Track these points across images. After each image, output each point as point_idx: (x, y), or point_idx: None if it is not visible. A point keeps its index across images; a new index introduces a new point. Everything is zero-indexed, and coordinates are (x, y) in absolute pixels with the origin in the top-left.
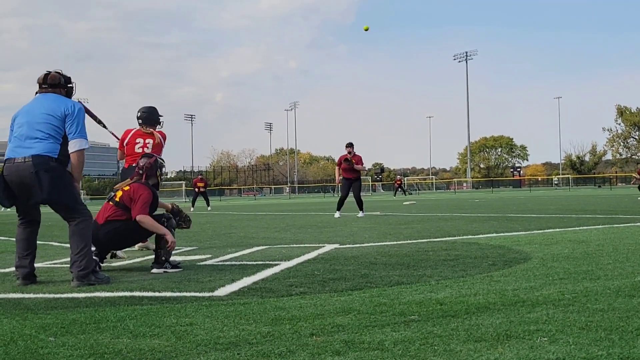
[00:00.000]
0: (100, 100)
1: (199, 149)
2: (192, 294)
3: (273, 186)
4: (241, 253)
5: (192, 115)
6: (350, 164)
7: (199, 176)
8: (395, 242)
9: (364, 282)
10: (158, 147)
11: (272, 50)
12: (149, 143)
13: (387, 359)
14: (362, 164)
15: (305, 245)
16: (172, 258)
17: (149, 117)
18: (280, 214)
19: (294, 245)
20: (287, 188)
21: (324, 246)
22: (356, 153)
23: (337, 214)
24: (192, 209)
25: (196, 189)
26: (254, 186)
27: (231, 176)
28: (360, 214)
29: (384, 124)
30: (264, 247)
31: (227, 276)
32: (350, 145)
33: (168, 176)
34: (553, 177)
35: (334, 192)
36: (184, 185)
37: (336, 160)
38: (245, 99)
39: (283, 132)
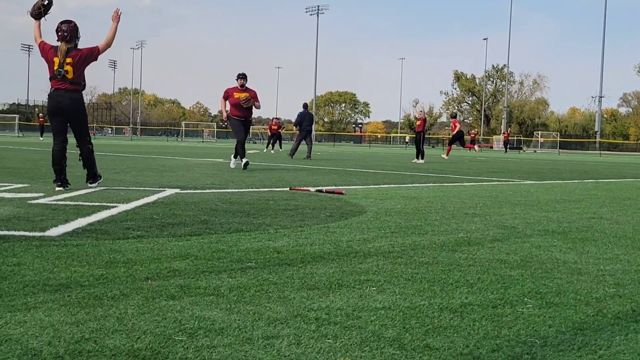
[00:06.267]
0: None
1: (35, 81)
2: (21, 233)
3: (114, 126)
4: (77, 193)
5: (29, 46)
6: (247, 102)
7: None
8: (237, 190)
9: (203, 228)
10: None
11: None
12: None
13: (222, 304)
14: (258, 100)
15: (145, 188)
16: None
17: None
18: (121, 156)
19: (133, 188)
20: (129, 129)
21: (164, 190)
22: (249, 87)
23: (232, 163)
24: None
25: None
26: (94, 125)
27: None
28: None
29: (234, 71)
30: (101, 188)
31: (61, 216)
32: (242, 76)
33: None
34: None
35: (177, 136)
36: (17, 120)
37: (223, 95)
38: (91, 33)
39: (128, 71)
